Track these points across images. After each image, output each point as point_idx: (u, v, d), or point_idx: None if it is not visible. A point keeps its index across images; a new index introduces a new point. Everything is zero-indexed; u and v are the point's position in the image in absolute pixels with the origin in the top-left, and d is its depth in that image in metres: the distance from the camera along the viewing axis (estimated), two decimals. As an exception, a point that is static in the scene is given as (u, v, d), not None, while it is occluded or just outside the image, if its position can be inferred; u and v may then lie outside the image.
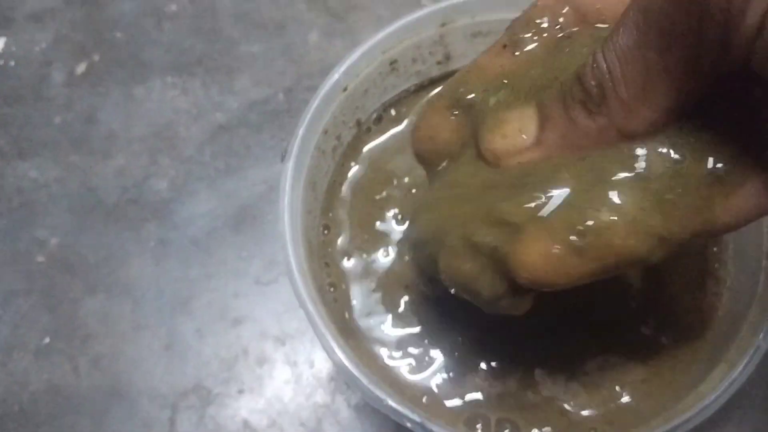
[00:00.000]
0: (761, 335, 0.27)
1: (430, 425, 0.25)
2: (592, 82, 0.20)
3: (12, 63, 0.45)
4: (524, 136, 0.22)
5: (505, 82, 0.24)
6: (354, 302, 0.33)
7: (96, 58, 0.45)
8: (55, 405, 0.37)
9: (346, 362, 0.27)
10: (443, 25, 0.34)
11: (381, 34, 0.33)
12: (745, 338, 0.28)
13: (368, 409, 0.36)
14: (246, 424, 0.36)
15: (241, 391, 0.37)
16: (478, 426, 0.30)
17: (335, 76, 0.32)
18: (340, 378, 0.37)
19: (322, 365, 0.37)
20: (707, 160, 0.20)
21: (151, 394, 0.37)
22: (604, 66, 0.19)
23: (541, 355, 0.31)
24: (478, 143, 0.24)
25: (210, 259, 0.39)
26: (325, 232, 0.34)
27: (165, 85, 0.43)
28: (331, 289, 0.33)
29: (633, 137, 0.20)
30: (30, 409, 0.37)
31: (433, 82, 0.36)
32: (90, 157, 0.42)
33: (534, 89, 0.23)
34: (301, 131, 0.31)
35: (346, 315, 0.32)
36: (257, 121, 0.42)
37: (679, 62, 0.18)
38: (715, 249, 0.33)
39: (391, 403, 0.26)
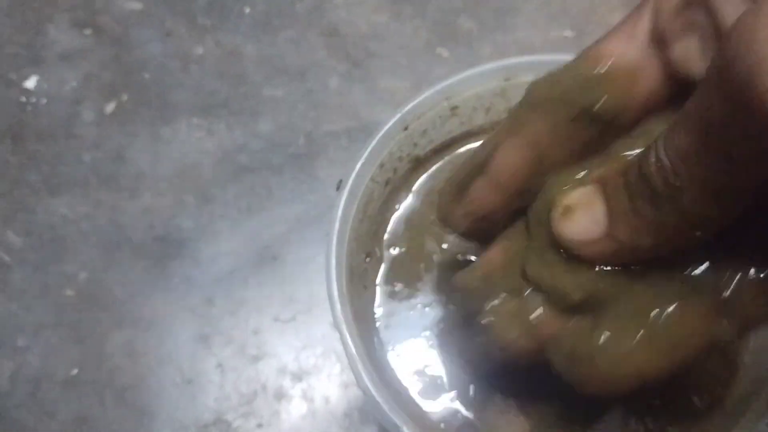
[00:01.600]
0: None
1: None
2: (656, 179, 0.19)
3: (44, 101, 0.47)
4: (594, 226, 0.21)
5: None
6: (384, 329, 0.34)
7: (124, 98, 0.46)
8: (82, 435, 0.38)
9: (370, 385, 0.28)
10: (507, 79, 0.36)
11: (447, 81, 0.35)
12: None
13: (381, 445, 0.38)
14: (264, 457, 0.38)
15: (259, 425, 0.38)
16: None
17: (396, 116, 0.34)
18: (356, 412, 0.38)
19: (338, 402, 0.39)
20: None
21: (173, 426, 0.38)
22: (670, 171, 0.18)
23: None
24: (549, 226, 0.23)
25: (231, 297, 0.41)
26: (367, 259, 0.36)
27: (191, 126, 0.45)
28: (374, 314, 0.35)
29: (702, 227, 0.19)
30: (58, 438, 0.38)
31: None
32: (118, 194, 0.44)
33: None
34: (357, 165, 0.33)
35: (376, 340, 0.34)
36: (279, 163, 0.44)
37: (740, 169, 0.17)
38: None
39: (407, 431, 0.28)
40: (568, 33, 0.47)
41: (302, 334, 0.40)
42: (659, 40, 0.21)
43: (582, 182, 0.22)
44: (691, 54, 0.21)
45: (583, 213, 0.21)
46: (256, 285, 0.41)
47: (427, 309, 0.35)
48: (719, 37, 0.19)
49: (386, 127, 0.34)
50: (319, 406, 0.39)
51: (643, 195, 0.19)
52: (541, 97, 0.23)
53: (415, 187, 0.37)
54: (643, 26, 0.22)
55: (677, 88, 0.22)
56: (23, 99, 0.47)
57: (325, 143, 0.45)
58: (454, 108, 0.36)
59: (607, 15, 0.47)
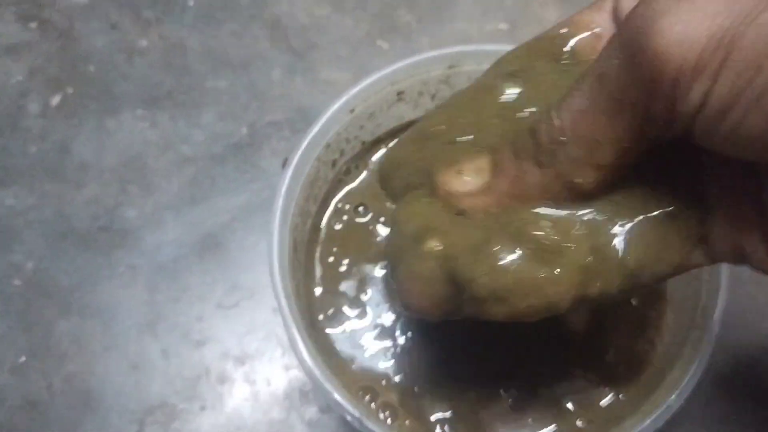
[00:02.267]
0: (674, 395, 0.30)
1: (366, 422, 0.29)
2: (545, 138, 0.21)
3: (-11, 94, 0.47)
4: (477, 180, 0.24)
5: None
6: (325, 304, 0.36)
7: (70, 90, 0.47)
8: (30, 420, 0.39)
9: (304, 351, 0.30)
10: (450, 67, 0.37)
11: (393, 67, 0.37)
12: (660, 395, 0.31)
13: (321, 423, 0.39)
14: (207, 438, 0.39)
15: (203, 408, 0.40)
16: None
17: (343, 98, 0.36)
18: (296, 393, 0.40)
19: (279, 383, 0.40)
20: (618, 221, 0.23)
21: (120, 410, 0.40)
22: (558, 123, 0.21)
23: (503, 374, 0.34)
24: (433, 177, 0.25)
25: (175, 284, 0.42)
26: (315, 235, 0.37)
27: (135, 118, 0.46)
28: (313, 288, 0.36)
29: (576, 193, 0.22)
30: (7, 423, 0.39)
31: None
32: (64, 185, 0.45)
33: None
34: (304, 143, 0.35)
35: (319, 315, 0.36)
36: (222, 154, 0.45)
37: (627, 129, 0.20)
38: (654, 311, 0.36)
39: (337, 397, 0.30)
40: (503, 26, 0.49)
41: (245, 320, 0.42)
42: (618, 15, 0.25)
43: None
44: None
45: (464, 166, 0.25)
46: (199, 272, 0.43)
47: (367, 282, 0.37)
48: None
49: (332, 109, 0.36)
50: (261, 389, 0.40)
51: (528, 151, 0.22)
52: (516, 54, 0.27)
53: (363, 170, 0.39)
54: (609, 3, 0.25)
55: None
56: (-31, 92, 0.47)
57: (268, 134, 0.46)
58: (399, 93, 0.38)
59: (540, 9, 0.48)
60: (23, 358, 0.41)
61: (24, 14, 0.49)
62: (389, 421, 0.34)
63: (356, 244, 0.38)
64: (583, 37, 0.26)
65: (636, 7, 0.19)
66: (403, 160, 0.29)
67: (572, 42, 0.26)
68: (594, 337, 0.35)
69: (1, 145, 0.46)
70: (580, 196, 0.23)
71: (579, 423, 0.34)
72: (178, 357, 0.41)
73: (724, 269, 0.33)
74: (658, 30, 0.18)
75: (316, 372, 0.30)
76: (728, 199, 0.23)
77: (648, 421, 0.30)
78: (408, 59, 0.37)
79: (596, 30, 0.25)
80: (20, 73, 0.48)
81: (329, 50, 0.48)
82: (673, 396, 0.30)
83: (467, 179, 0.24)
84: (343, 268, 0.37)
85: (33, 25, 0.49)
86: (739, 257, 0.23)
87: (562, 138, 0.21)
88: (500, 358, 0.34)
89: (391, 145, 0.39)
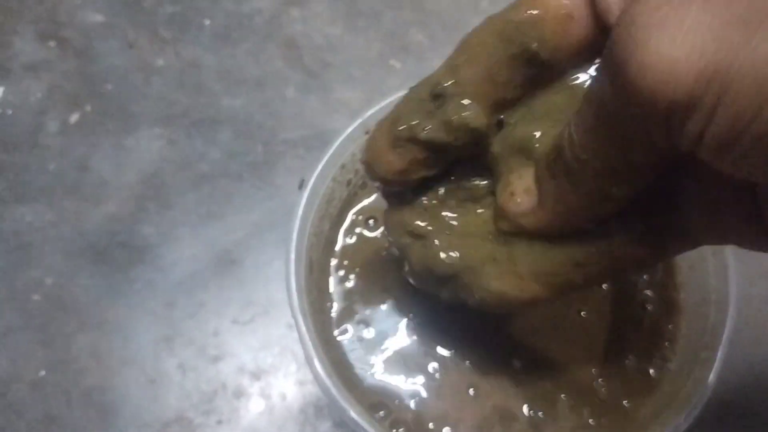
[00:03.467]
0: (683, 416, 0.31)
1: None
2: (570, 158, 0.21)
3: (9, 111, 0.48)
4: (528, 199, 0.24)
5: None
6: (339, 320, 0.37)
7: (88, 108, 0.48)
8: (49, 433, 0.40)
9: (320, 369, 0.31)
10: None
11: (407, 90, 0.37)
12: (669, 416, 0.31)
13: (334, 439, 0.40)
14: (224, 452, 0.40)
15: (219, 422, 0.40)
16: None
17: (359, 120, 0.36)
18: (311, 408, 0.41)
19: (294, 398, 0.41)
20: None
21: (137, 424, 0.40)
22: (573, 151, 0.21)
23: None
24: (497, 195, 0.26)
25: (192, 300, 0.43)
26: (329, 253, 0.38)
27: (152, 136, 0.47)
28: (327, 304, 0.37)
29: (614, 201, 0.22)
30: (26, 437, 0.40)
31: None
32: (82, 202, 0.45)
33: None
34: (320, 164, 0.35)
35: (334, 332, 0.37)
36: (237, 171, 0.46)
37: (637, 155, 0.20)
38: (670, 326, 0.36)
39: (353, 414, 0.30)
40: (514, 45, 0.49)
41: (260, 335, 0.42)
42: None
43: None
44: (611, 5, 0.22)
45: (515, 185, 0.25)
46: (215, 288, 0.43)
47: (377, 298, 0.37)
48: None
49: (348, 131, 0.36)
50: (276, 403, 0.41)
51: (560, 170, 0.22)
52: (481, 38, 0.25)
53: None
54: None
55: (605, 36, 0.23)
56: (-11, 110, 0.48)
57: (282, 152, 0.47)
58: None
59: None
60: (42, 373, 0.41)
61: (43, 33, 0.50)
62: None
63: (367, 258, 0.38)
64: (554, 24, 0.23)
65: (618, 32, 0.18)
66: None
67: (541, 30, 0.24)
68: (614, 343, 0.36)
69: (20, 162, 0.47)
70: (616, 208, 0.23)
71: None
72: (194, 371, 0.41)
73: (732, 288, 0.33)
74: (644, 66, 0.17)
75: (333, 390, 0.31)
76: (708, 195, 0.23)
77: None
78: (419, 72, 0.38)
79: (563, 12, 0.23)
80: (39, 90, 0.49)
81: (343, 69, 0.49)
82: (682, 418, 0.31)
83: (519, 197, 0.25)
84: (354, 284, 0.38)
85: (52, 43, 0.50)
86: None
87: (584, 156, 0.21)
88: (517, 374, 0.35)
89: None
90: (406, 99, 0.28)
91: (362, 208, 0.40)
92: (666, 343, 0.36)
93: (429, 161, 0.28)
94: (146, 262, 0.44)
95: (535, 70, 0.25)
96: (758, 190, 0.22)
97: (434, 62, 0.47)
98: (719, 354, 0.32)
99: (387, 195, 0.31)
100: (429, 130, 0.27)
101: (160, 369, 0.42)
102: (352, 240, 0.39)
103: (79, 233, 0.45)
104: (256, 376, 0.41)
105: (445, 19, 0.51)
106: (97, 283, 0.43)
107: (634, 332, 0.36)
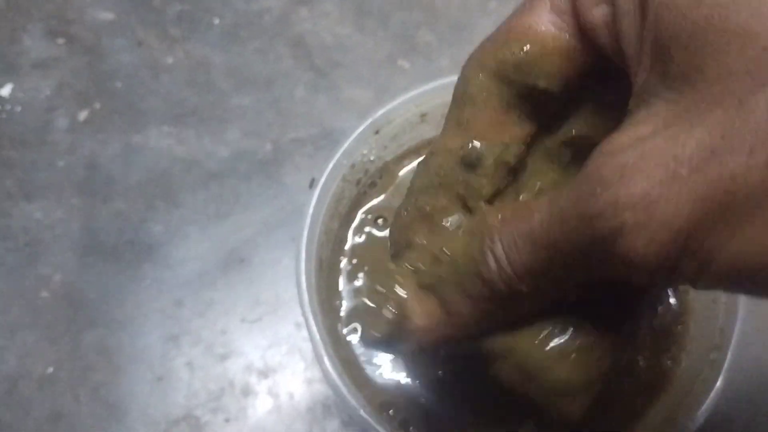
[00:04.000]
0: (692, 417, 0.31)
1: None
2: (497, 280, 0.21)
3: (18, 108, 0.48)
4: (432, 319, 0.23)
5: None
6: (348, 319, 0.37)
7: (97, 106, 0.48)
8: (57, 431, 0.40)
9: (330, 366, 0.31)
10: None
11: (417, 90, 0.37)
12: (678, 416, 0.32)
13: (342, 438, 0.40)
14: (231, 450, 0.40)
15: (227, 420, 0.40)
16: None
17: (368, 120, 0.36)
18: (319, 407, 0.41)
19: (302, 397, 0.41)
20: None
21: (145, 422, 0.40)
22: (513, 275, 0.21)
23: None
24: None
25: (200, 298, 0.43)
26: (338, 252, 0.38)
27: (161, 134, 0.47)
28: (337, 303, 0.37)
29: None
30: (34, 433, 0.40)
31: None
32: (91, 200, 0.45)
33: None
34: (331, 164, 0.35)
35: (343, 330, 0.37)
36: (246, 170, 0.46)
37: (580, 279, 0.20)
38: (679, 327, 0.36)
39: (363, 413, 0.30)
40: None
41: (268, 334, 0.42)
42: (578, 20, 0.22)
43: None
44: (598, 23, 0.21)
45: (420, 307, 0.23)
46: (224, 287, 0.43)
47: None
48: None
49: (359, 130, 0.36)
50: (284, 402, 0.41)
51: (484, 296, 0.22)
52: (481, 86, 0.24)
53: (385, 186, 0.40)
54: (566, 5, 0.22)
55: (594, 56, 0.23)
56: (-2, 106, 0.48)
57: (291, 150, 0.47)
58: (423, 115, 0.39)
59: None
60: (50, 370, 0.42)
61: (52, 30, 0.51)
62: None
63: (376, 257, 0.38)
64: (556, 57, 0.23)
65: (582, 199, 0.18)
66: None
67: (544, 66, 0.23)
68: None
69: (29, 160, 0.47)
70: None
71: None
72: (202, 370, 0.41)
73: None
74: (625, 245, 0.17)
75: (342, 388, 0.31)
76: None
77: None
78: (432, 83, 0.38)
79: (561, 43, 0.22)
80: (49, 88, 0.49)
81: (351, 69, 0.49)
82: (691, 419, 0.31)
83: (423, 317, 0.24)
84: (363, 282, 0.38)
85: (61, 41, 0.50)
86: None
87: (520, 288, 0.21)
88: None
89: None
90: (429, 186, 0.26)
91: (371, 207, 0.40)
92: (674, 345, 0.36)
93: None
94: (154, 260, 0.44)
95: (544, 98, 0.24)
96: None
97: (442, 62, 0.48)
98: (728, 355, 0.32)
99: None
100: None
101: (167, 367, 0.42)
102: (362, 239, 0.39)
103: (87, 231, 0.45)
104: (264, 374, 0.41)
105: (453, 20, 0.51)
106: (106, 281, 0.43)
107: (644, 333, 0.37)
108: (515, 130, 0.25)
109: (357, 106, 0.48)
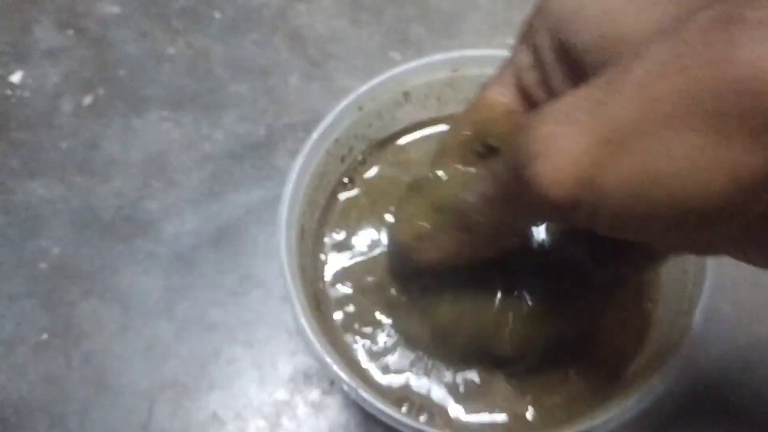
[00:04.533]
0: (657, 378, 0.31)
1: (362, 392, 0.31)
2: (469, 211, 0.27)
3: (27, 94, 0.51)
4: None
5: None
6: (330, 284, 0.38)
7: (101, 92, 0.50)
8: (49, 393, 0.42)
9: (304, 322, 0.32)
10: (454, 70, 0.40)
11: (400, 68, 0.39)
12: (645, 377, 0.32)
13: (323, 405, 0.41)
14: (215, 415, 0.41)
15: (211, 388, 0.42)
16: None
17: (352, 95, 0.38)
18: (300, 376, 0.42)
19: (284, 367, 0.42)
20: None
21: (133, 387, 0.42)
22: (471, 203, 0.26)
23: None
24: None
25: (191, 272, 0.45)
26: (322, 224, 0.39)
27: (160, 118, 0.49)
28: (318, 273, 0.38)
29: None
30: (27, 396, 0.42)
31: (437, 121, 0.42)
32: (91, 178, 0.47)
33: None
34: (314, 135, 0.37)
35: (321, 285, 0.38)
36: (240, 153, 0.48)
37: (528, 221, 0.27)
38: (649, 305, 0.38)
39: (336, 369, 0.31)
40: (510, 41, 0.51)
41: (255, 307, 0.44)
42: (522, 89, 0.29)
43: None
44: (543, 100, 0.28)
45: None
46: (214, 262, 0.45)
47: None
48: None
49: (341, 105, 0.38)
50: (268, 372, 0.42)
51: (455, 222, 0.28)
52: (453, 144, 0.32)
53: (369, 167, 0.41)
54: (511, 78, 0.29)
55: None
56: (8, 92, 0.51)
57: (284, 135, 0.48)
58: (406, 93, 0.40)
59: (544, 23, 0.51)
60: (45, 336, 0.43)
61: (62, 22, 0.53)
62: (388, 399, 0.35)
63: (360, 227, 0.40)
64: (498, 122, 0.30)
65: (519, 141, 0.22)
66: None
67: (493, 130, 0.30)
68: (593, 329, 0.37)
69: (35, 140, 0.49)
70: None
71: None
72: (190, 339, 0.43)
73: (710, 262, 0.34)
74: (536, 174, 0.21)
75: (309, 333, 0.32)
76: None
77: (632, 400, 0.32)
78: (414, 62, 0.40)
79: (505, 108, 0.29)
80: (56, 75, 0.51)
81: (345, 60, 0.51)
82: (656, 377, 0.32)
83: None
84: (348, 256, 0.39)
85: (70, 32, 0.53)
86: None
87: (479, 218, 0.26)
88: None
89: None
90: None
91: (358, 186, 0.41)
92: (649, 304, 0.37)
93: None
94: (149, 236, 0.46)
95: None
96: None
97: (432, 53, 0.49)
98: (695, 319, 0.33)
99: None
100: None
101: (157, 336, 0.43)
102: (348, 215, 0.40)
103: (86, 207, 0.47)
104: (249, 345, 0.43)
105: (444, 15, 0.52)
106: (102, 254, 0.45)
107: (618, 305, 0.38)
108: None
109: (348, 94, 0.49)
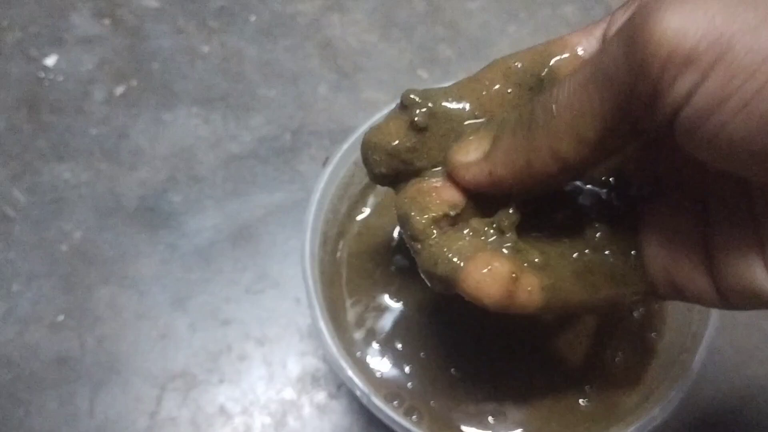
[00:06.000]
0: (658, 408, 0.33)
1: (374, 399, 0.32)
2: (539, 109, 0.23)
3: (60, 78, 0.52)
4: (478, 152, 0.25)
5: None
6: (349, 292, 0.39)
7: (134, 83, 0.52)
8: (61, 373, 0.43)
9: (323, 325, 0.33)
10: None
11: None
12: (646, 408, 0.34)
13: (329, 408, 0.42)
14: (222, 408, 0.42)
15: (221, 381, 0.43)
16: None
17: (385, 110, 0.39)
18: (309, 377, 0.43)
19: (294, 367, 0.43)
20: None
21: (144, 374, 0.43)
22: (554, 95, 0.22)
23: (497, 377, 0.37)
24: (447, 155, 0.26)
25: (209, 267, 0.46)
26: (342, 232, 0.41)
27: (190, 114, 0.50)
28: (335, 277, 0.39)
29: (562, 161, 0.23)
30: (39, 374, 0.42)
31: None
32: (118, 167, 0.48)
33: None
34: (345, 146, 0.38)
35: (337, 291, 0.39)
36: (265, 155, 0.49)
37: (612, 107, 0.21)
38: (653, 334, 0.39)
39: (350, 374, 0.33)
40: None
41: (269, 306, 0.45)
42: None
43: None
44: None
45: (471, 141, 0.25)
46: (232, 259, 0.46)
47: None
48: None
49: (374, 118, 0.39)
50: (277, 370, 0.43)
51: (524, 124, 0.23)
52: (502, 62, 0.27)
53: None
54: (600, 29, 0.25)
55: None
56: (42, 75, 0.52)
57: (309, 141, 0.50)
58: None
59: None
60: (61, 317, 0.44)
61: (99, 11, 0.54)
62: (395, 404, 0.36)
63: (375, 244, 0.41)
64: (565, 57, 0.26)
65: (640, 4, 0.20)
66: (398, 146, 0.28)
67: (555, 59, 0.26)
68: (597, 349, 0.38)
69: (64, 125, 0.50)
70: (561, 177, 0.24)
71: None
72: (203, 332, 0.44)
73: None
74: (658, 18, 0.19)
75: (329, 341, 0.33)
76: (670, 224, 0.25)
77: (631, 430, 0.33)
78: (446, 83, 0.41)
79: (579, 51, 0.26)
80: (90, 62, 0.52)
81: (373, 74, 0.52)
82: (657, 409, 0.33)
83: (470, 151, 0.25)
84: (364, 264, 0.40)
85: (106, 21, 0.54)
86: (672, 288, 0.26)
87: (553, 105, 0.22)
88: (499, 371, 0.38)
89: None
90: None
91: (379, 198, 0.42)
92: (653, 334, 0.39)
93: None
94: (170, 227, 0.47)
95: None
96: (709, 241, 0.24)
97: (459, 75, 0.51)
98: (697, 357, 0.35)
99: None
100: None
101: (171, 326, 0.44)
102: (363, 229, 0.41)
103: (111, 194, 0.48)
104: (260, 342, 0.44)
105: (473, 38, 0.54)
106: (123, 241, 0.46)
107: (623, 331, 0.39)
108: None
109: (375, 107, 0.51)
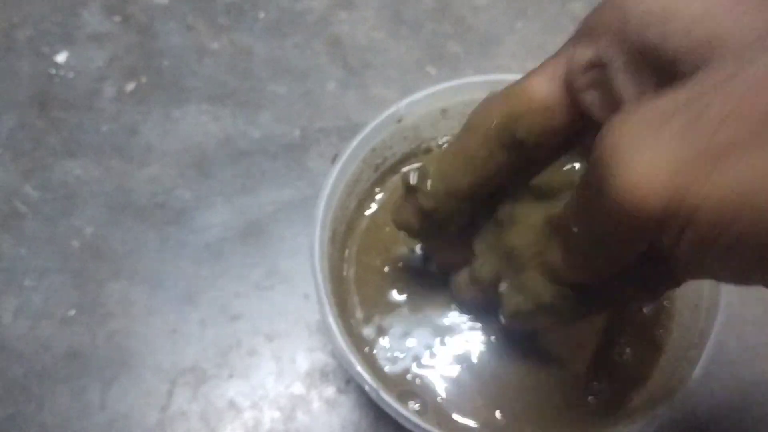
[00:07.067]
0: (664, 405, 0.33)
1: (383, 394, 0.32)
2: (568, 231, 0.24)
3: (71, 75, 0.52)
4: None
5: None
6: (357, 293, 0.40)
7: (144, 80, 0.52)
8: (72, 368, 0.43)
9: (332, 321, 0.34)
10: (491, 93, 0.41)
11: (440, 86, 0.41)
12: (654, 403, 0.34)
13: (338, 403, 0.42)
14: (231, 403, 0.42)
15: (231, 376, 0.43)
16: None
17: (393, 108, 0.40)
18: (317, 373, 0.43)
19: (303, 362, 0.43)
20: None
21: (154, 369, 0.43)
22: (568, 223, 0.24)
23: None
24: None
25: (218, 262, 0.46)
26: (349, 230, 0.41)
27: (199, 111, 0.51)
28: (343, 273, 0.40)
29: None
30: (51, 369, 0.43)
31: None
32: (128, 163, 0.49)
33: None
34: (354, 143, 0.39)
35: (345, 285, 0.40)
36: (274, 151, 0.50)
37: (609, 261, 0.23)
38: (661, 331, 0.39)
39: (359, 369, 0.33)
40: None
41: (278, 302, 0.45)
42: (570, 88, 0.25)
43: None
44: (595, 103, 0.25)
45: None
46: (241, 254, 0.46)
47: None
48: (613, 99, 0.24)
49: (382, 116, 0.40)
50: (286, 365, 0.43)
51: (563, 240, 0.25)
52: (479, 125, 0.29)
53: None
54: (560, 72, 0.26)
55: (587, 123, 0.26)
56: (53, 71, 0.52)
57: (317, 138, 0.50)
58: (443, 110, 0.42)
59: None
60: (72, 312, 0.44)
61: (110, 8, 0.55)
62: (404, 399, 0.37)
63: (382, 242, 0.41)
64: (534, 120, 0.27)
65: (601, 151, 0.20)
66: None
67: (524, 122, 0.27)
68: (605, 346, 0.39)
69: (75, 121, 0.50)
70: None
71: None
72: (213, 327, 0.44)
73: (722, 297, 0.36)
74: (623, 189, 0.19)
75: (339, 337, 0.34)
76: None
77: (637, 426, 0.33)
78: (454, 80, 0.41)
79: (546, 104, 0.26)
80: (101, 59, 0.53)
81: (381, 70, 0.53)
82: (665, 406, 0.33)
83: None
84: (373, 261, 0.41)
85: (117, 18, 0.54)
86: None
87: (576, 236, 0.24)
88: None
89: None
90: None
91: (386, 196, 0.43)
92: (661, 330, 0.39)
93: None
94: (180, 223, 0.47)
95: (522, 156, 0.28)
96: None
97: (467, 72, 0.51)
98: (705, 353, 0.35)
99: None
100: None
101: (181, 322, 0.44)
102: (370, 225, 0.42)
103: (122, 190, 0.48)
104: (270, 338, 0.44)
105: (481, 35, 0.54)
106: (133, 237, 0.47)
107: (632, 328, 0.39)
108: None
109: (383, 103, 0.50)
